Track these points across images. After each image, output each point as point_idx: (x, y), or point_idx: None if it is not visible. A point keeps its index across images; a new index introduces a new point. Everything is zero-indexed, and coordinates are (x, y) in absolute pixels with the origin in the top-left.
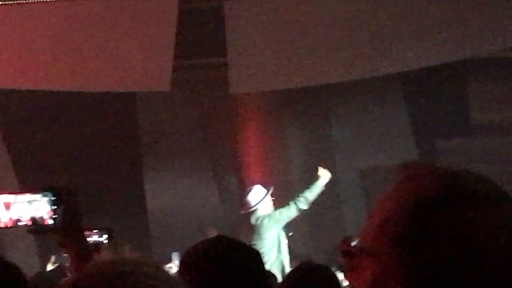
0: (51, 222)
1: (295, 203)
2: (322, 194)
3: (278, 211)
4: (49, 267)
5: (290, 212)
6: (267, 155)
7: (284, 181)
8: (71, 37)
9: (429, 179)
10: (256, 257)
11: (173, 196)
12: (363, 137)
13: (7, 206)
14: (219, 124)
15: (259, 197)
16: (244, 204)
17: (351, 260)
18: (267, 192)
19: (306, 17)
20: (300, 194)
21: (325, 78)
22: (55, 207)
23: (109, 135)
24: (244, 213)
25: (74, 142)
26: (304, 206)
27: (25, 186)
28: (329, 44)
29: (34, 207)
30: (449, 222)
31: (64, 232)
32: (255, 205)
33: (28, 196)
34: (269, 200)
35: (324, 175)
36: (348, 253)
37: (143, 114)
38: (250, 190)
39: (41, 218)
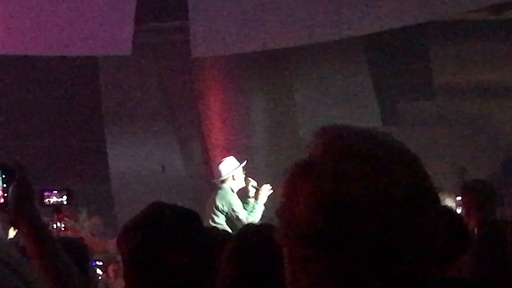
0: (1, 201)
1: (248, 215)
2: (286, 158)
3: (233, 207)
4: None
5: (239, 216)
6: (230, 119)
7: (247, 145)
8: (31, 1)
9: (320, 141)
10: (192, 218)
11: (136, 161)
12: (326, 100)
13: None
14: (181, 88)
15: (230, 168)
16: (215, 173)
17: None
18: (239, 165)
19: None
20: (250, 213)
21: (288, 42)
22: (5, 185)
23: (71, 99)
24: (214, 181)
25: (37, 106)
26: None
27: None
28: (291, 7)
29: None
30: (327, 177)
31: (15, 211)
32: (225, 175)
33: None
34: (241, 174)
35: (264, 193)
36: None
37: (104, 78)
38: (222, 161)
39: None
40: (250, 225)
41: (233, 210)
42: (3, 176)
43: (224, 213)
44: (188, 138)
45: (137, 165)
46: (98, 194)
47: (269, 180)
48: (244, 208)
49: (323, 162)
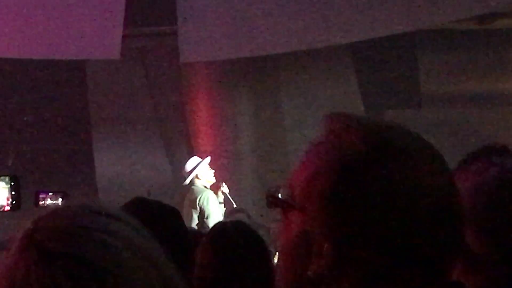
0: (8, 207)
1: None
2: (272, 164)
3: (208, 204)
4: None
5: (210, 215)
6: (217, 124)
7: (233, 150)
8: (19, 4)
9: (356, 133)
10: (172, 215)
11: (122, 164)
12: (313, 107)
13: None
14: (169, 93)
15: (190, 168)
16: (184, 176)
17: (280, 213)
18: (200, 161)
19: None
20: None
21: (275, 48)
22: (14, 192)
23: (58, 102)
24: (185, 184)
25: (23, 109)
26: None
27: None
28: (280, 14)
29: None
30: (375, 179)
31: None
32: (190, 172)
33: None
34: (207, 170)
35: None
36: (274, 202)
37: (92, 82)
38: (186, 162)
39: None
40: (225, 222)
41: (207, 207)
42: (12, 183)
43: (198, 207)
44: (175, 143)
45: (124, 169)
46: (85, 198)
47: (255, 186)
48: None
49: (372, 166)
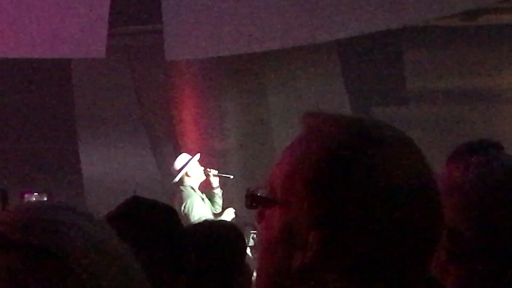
0: None
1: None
2: (259, 162)
3: (193, 211)
4: None
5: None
6: (203, 123)
7: (220, 148)
8: (3, 4)
9: (336, 125)
10: (170, 215)
11: (109, 163)
12: (299, 105)
13: None
14: (155, 91)
15: (179, 166)
16: (173, 173)
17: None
18: (191, 158)
19: None
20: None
21: (261, 46)
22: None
23: (43, 101)
24: (175, 182)
25: (8, 108)
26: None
27: None
28: (266, 11)
29: None
30: (357, 166)
31: None
32: (179, 170)
33: None
34: (197, 167)
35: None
36: (254, 200)
37: (78, 81)
38: (173, 160)
39: None
40: (203, 222)
41: (192, 215)
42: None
43: (184, 214)
44: (162, 141)
45: (110, 168)
46: (71, 197)
47: (242, 184)
48: (209, 200)
49: (353, 154)
